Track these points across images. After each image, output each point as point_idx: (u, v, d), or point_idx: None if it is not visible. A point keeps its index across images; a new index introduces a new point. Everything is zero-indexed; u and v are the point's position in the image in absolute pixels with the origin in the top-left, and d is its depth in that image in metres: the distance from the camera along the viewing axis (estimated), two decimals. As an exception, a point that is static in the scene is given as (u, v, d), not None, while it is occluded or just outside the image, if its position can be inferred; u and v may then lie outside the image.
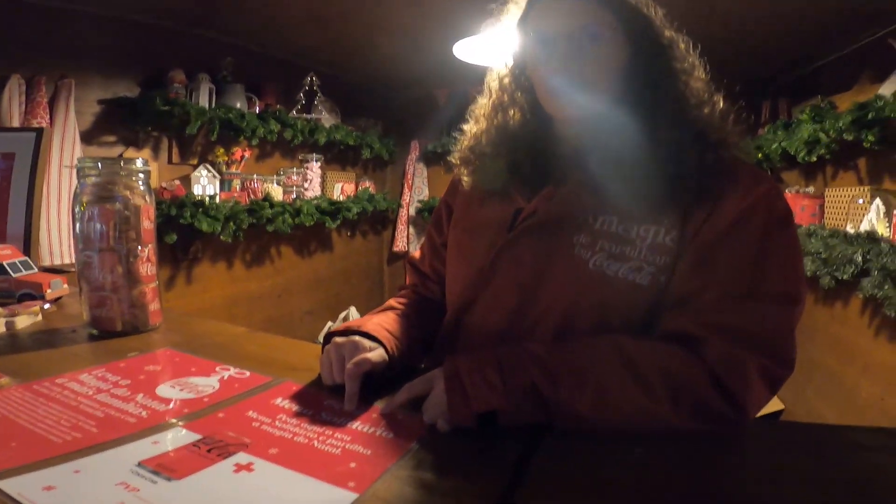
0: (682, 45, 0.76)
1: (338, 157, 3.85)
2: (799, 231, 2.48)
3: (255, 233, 3.14)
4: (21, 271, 1.20)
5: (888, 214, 2.09)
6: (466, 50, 2.22)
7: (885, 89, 2.10)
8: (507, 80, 0.85)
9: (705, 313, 0.66)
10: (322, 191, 3.64)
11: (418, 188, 4.29)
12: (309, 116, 3.40)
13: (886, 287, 1.92)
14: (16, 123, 2.09)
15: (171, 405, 0.67)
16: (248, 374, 0.79)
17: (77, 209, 0.96)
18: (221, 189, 2.92)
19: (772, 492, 0.51)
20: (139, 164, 0.99)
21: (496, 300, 0.80)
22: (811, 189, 2.83)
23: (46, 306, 1.12)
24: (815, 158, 2.51)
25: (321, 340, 0.83)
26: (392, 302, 0.94)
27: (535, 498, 0.50)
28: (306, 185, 3.48)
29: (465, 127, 0.89)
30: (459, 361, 0.65)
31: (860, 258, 2.05)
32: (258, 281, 3.32)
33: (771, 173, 2.90)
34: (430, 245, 1.00)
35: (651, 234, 0.72)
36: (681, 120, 0.72)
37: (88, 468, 0.52)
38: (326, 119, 3.55)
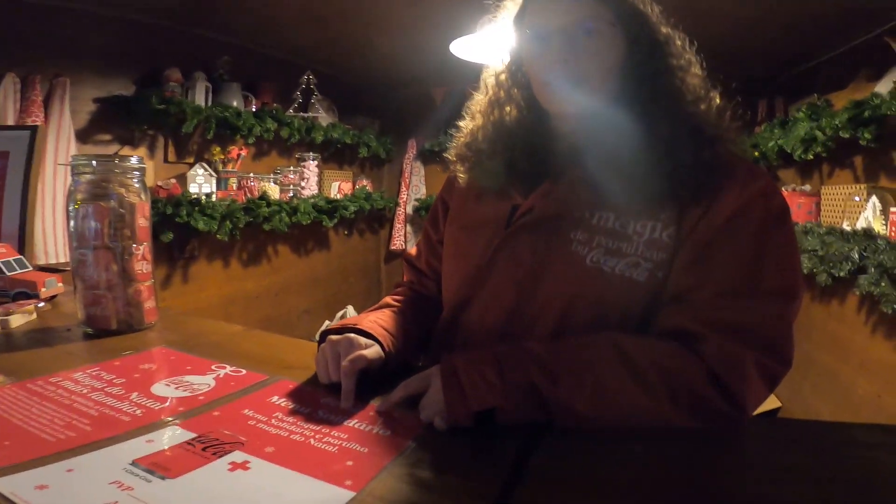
0: (679, 42, 0.76)
1: (335, 155, 3.85)
2: (795, 228, 2.48)
3: (252, 231, 3.13)
4: (16, 270, 1.19)
5: (885, 212, 2.09)
6: (464, 48, 2.22)
7: (882, 87, 2.10)
8: (503, 77, 0.85)
9: (703, 310, 0.66)
10: (319, 189, 3.63)
11: (415, 187, 4.29)
12: (306, 115, 3.39)
13: (883, 284, 1.92)
14: (10, 122, 2.08)
15: (166, 404, 0.67)
16: (244, 372, 0.78)
17: (71, 207, 0.95)
18: (218, 188, 2.90)
19: (771, 489, 0.51)
20: (134, 161, 0.99)
21: (494, 298, 0.80)
22: (808, 187, 2.84)
23: (41, 305, 1.11)
24: (811, 156, 2.52)
25: (318, 339, 0.83)
26: (388, 299, 0.93)
27: (533, 496, 0.50)
28: (303, 183, 3.47)
29: (462, 123, 0.89)
30: (457, 360, 0.64)
31: (857, 255, 2.05)
32: (255, 280, 3.31)
33: (768, 171, 2.90)
34: (427, 242, 0.99)
35: (648, 230, 0.71)
36: (677, 116, 0.71)
37: (82, 467, 0.51)
38: (323, 118, 3.54)
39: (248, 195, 3.03)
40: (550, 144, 0.82)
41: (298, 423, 0.63)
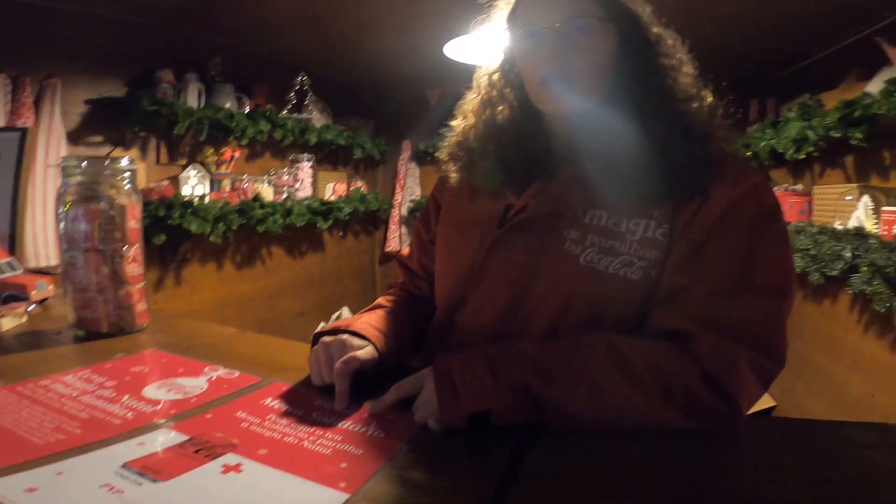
0: (671, 42, 0.76)
1: (329, 157, 3.83)
2: (788, 228, 2.49)
3: (246, 233, 3.12)
4: (6, 272, 1.18)
5: (876, 211, 2.11)
6: (458, 50, 2.22)
7: (872, 87, 2.11)
8: (496, 77, 0.85)
9: (696, 309, 0.66)
10: (313, 191, 3.61)
11: (410, 188, 4.28)
12: (300, 116, 3.38)
13: (875, 283, 1.93)
14: (0, 124, 2.06)
15: (158, 406, 0.66)
16: (237, 374, 0.78)
17: (61, 209, 0.94)
18: (211, 189, 2.89)
19: (767, 488, 0.51)
20: (124, 162, 0.98)
21: (488, 298, 0.79)
22: (799, 186, 2.86)
23: (31, 308, 1.10)
24: (803, 156, 2.53)
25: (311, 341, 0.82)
26: (381, 300, 0.93)
27: (528, 497, 0.50)
28: (297, 185, 3.46)
29: (454, 122, 0.89)
30: (450, 361, 0.64)
31: (849, 254, 2.06)
32: (249, 282, 3.29)
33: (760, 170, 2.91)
34: (418, 242, 0.99)
35: (641, 229, 0.71)
36: (668, 114, 0.71)
37: (72, 470, 0.51)
38: (317, 119, 3.53)
39: (242, 197, 3.01)
40: (543, 143, 0.82)
41: (292, 425, 0.62)
